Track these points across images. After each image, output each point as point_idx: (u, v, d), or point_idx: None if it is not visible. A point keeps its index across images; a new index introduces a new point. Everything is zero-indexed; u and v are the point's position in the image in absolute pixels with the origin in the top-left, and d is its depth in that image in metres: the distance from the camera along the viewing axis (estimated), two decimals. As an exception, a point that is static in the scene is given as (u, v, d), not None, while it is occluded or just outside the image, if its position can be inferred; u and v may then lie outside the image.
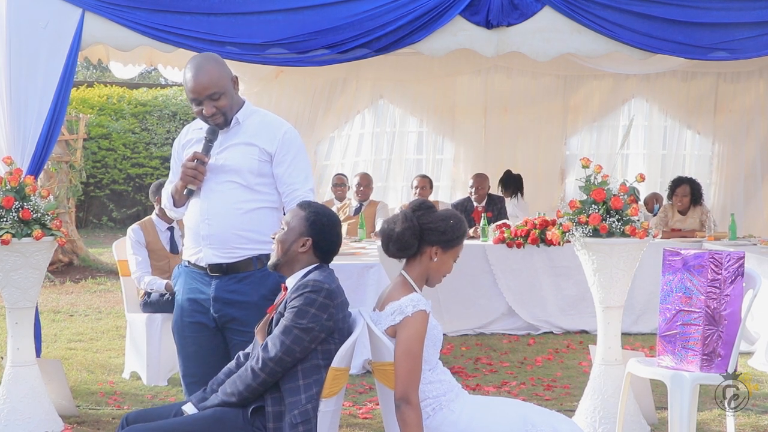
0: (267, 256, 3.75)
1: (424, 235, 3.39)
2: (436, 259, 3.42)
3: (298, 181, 3.80)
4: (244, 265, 3.75)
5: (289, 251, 3.45)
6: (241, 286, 3.73)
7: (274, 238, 3.50)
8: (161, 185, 6.52)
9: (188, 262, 3.85)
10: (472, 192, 8.89)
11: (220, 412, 3.31)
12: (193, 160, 3.74)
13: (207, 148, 3.77)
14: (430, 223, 3.39)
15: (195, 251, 3.80)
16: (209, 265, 3.76)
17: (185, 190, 3.80)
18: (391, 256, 3.46)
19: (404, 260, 3.47)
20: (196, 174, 3.73)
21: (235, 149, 3.78)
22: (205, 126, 3.83)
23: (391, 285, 3.50)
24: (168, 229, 6.56)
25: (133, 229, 6.45)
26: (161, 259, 6.47)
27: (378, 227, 8.59)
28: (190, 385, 3.81)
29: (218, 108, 3.72)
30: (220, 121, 3.76)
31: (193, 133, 3.93)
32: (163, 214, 6.50)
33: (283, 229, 3.48)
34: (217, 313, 3.75)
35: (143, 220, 6.61)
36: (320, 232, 3.46)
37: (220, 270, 3.75)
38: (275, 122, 3.88)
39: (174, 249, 6.53)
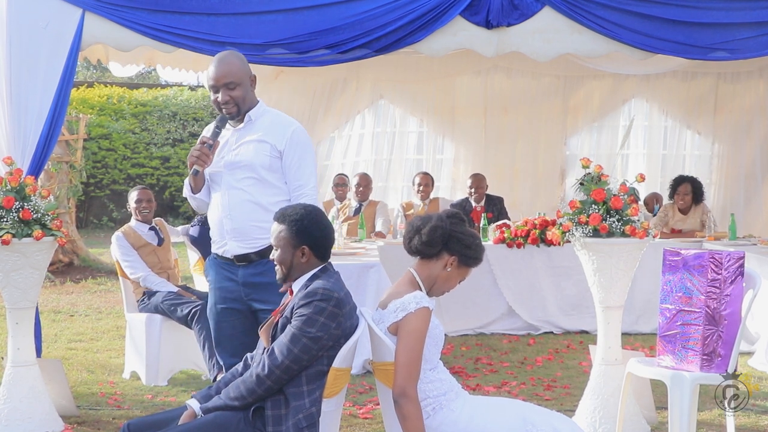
0: None
1: (449, 242, 3.45)
2: (449, 269, 3.47)
3: (303, 178, 4.07)
4: (268, 252, 3.91)
5: (292, 266, 3.51)
6: (267, 268, 3.90)
7: (274, 261, 3.55)
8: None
9: (216, 255, 4.17)
10: (472, 192, 8.89)
11: (221, 417, 3.30)
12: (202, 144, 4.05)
13: (215, 134, 4.08)
14: (460, 233, 3.46)
15: (221, 244, 4.13)
16: (235, 256, 4.08)
17: (192, 170, 4.07)
18: (411, 250, 3.50)
19: (415, 260, 3.50)
20: (200, 155, 4.02)
21: (249, 146, 4.08)
22: None
23: (395, 283, 3.53)
24: (150, 229, 6.60)
25: (117, 237, 6.48)
26: (148, 253, 6.51)
27: (378, 227, 8.61)
28: (222, 354, 4.12)
29: (232, 97, 4.05)
30: (233, 110, 4.07)
31: None
32: (140, 218, 6.55)
33: (276, 249, 3.52)
34: (247, 297, 4.06)
35: (122, 227, 6.64)
36: (310, 235, 3.49)
37: (246, 259, 4.07)
38: (285, 121, 4.17)
39: (160, 242, 6.59)
